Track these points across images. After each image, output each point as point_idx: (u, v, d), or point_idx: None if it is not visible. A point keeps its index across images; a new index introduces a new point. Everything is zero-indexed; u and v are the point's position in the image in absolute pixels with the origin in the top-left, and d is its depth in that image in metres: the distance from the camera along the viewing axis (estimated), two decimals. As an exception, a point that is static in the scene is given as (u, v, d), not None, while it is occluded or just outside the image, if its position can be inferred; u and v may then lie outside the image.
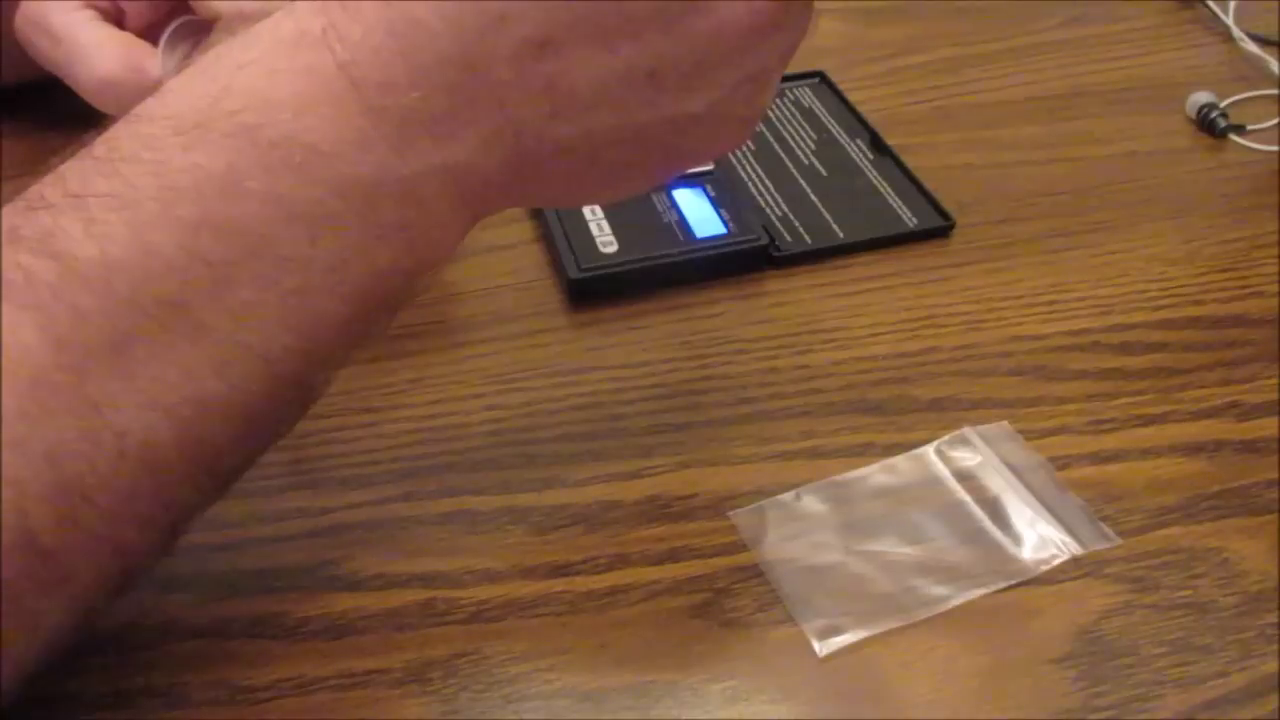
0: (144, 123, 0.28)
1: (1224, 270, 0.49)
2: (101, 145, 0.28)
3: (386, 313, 0.31)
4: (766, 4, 0.30)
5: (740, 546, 0.37)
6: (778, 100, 0.58)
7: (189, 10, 0.48)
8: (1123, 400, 0.43)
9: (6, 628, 0.26)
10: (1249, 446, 0.41)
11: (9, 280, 0.26)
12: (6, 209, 0.28)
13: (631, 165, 0.32)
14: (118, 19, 0.49)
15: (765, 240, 0.48)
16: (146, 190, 0.27)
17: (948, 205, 0.51)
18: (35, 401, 0.26)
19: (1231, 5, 0.64)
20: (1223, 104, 0.57)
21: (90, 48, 0.47)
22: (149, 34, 0.49)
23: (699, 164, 0.35)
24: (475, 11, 0.28)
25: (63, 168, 0.28)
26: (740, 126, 0.34)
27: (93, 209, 0.27)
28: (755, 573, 0.37)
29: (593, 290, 0.47)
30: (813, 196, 0.52)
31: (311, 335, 0.29)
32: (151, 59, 0.47)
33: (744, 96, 0.32)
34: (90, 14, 0.48)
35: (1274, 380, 0.43)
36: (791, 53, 0.33)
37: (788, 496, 0.39)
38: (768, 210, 0.51)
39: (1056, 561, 0.37)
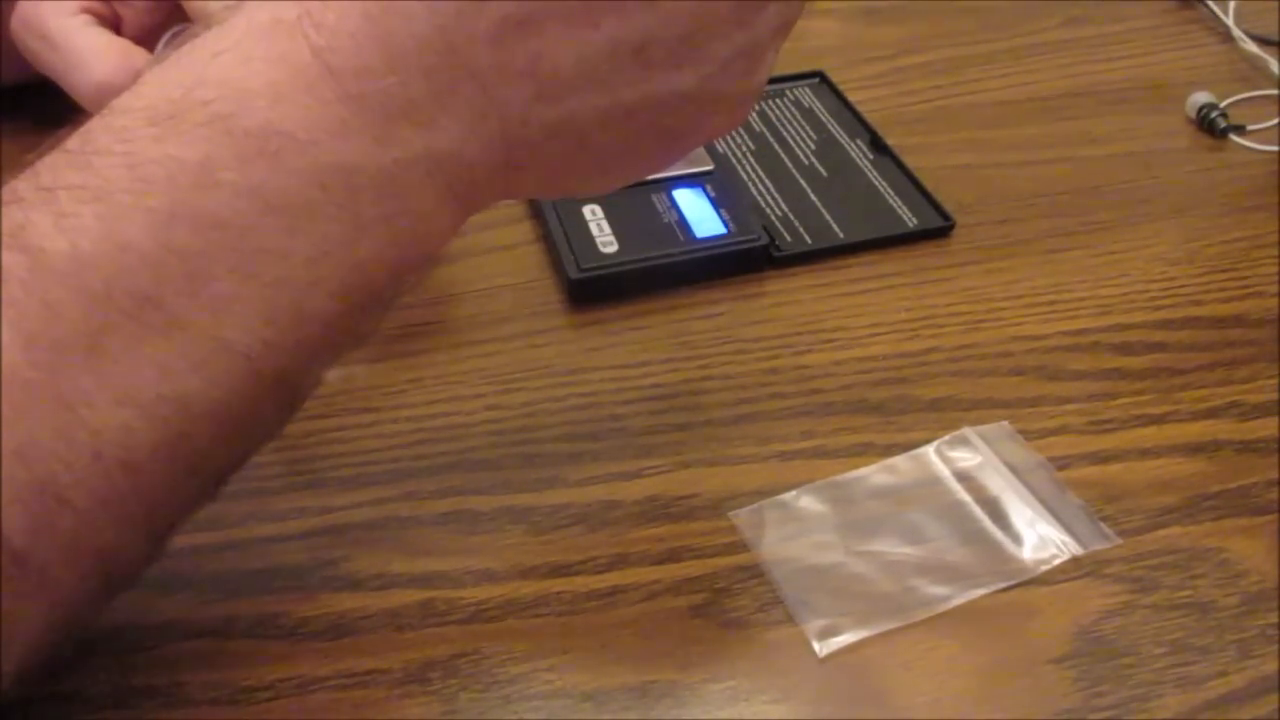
0: (117, 115, 0.28)
1: (1224, 270, 0.49)
2: (75, 139, 0.28)
3: (374, 309, 0.31)
4: None
5: (740, 546, 0.37)
6: (778, 100, 0.58)
7: (186, 17, 0.48)
8: (1123, 400, 0.43)
9: None
10: (1249, 446, 0.41)
11: None
12: None
13: (624, 149, 0.32)
14: (115, 24, 0.49)
15: (765, 240, 0.48)
16: (118, 182, 0.27)
17: (948, 205, 0.51)
18: (6, 399, 0.25)
19: (1231, 5, 0.64)
20: (1223, 104, 0.57)
21: (86, 53, 0.47)
22: (146, 40, 0.49)
23: (695, 146, 0.34)
24: None
25: (38, 163, 0.28)
26: (735, 106, 0.33)
27: (63, 202, 0.26)
28: (755, 573, 0.37)
29: (593, 290, 0.47)
30: (813, 196, 0.52)
31: (294, 331, 0.29)
32: (148, 65, 0.47)
33: (737, 73, 0.31)
34: (87, 19, 0.48)
35: (1274, 380, 0.43)
36: (786, 28, 0.32)
37: (788, 496, 0.39)
38: (768, 210, 0.51)
39: (1056, 561, 0.37)
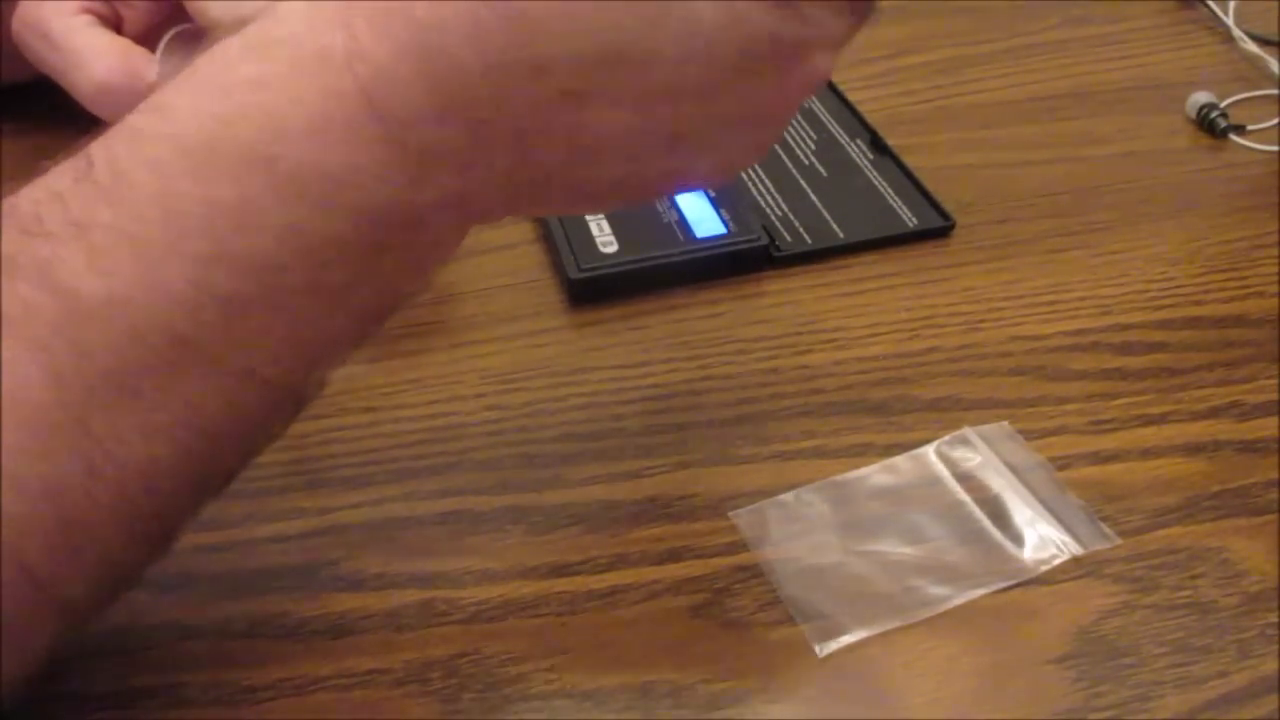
0: (148, 142, 0.27)
1: (1224, 270, 0.49)
2: (104, 167, 0.27)
3: (382, 322, 0.31)
4: (818, 75, 0.31)
5: (740, 546, 0.37)
6: (778, 100, 0.58)
7: (187, 17, 0.48)
8: (1123, 400, 0.43)
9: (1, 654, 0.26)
10: (1249, 446, 0.41)
11: (7, 314, 0.25)
12: (3, 233, 0.27)
13: (630, 195, 0.33)
14: (116, 24, 0.49)
15: (765, 240, 0.48)
16: (154, 221, 0.26)
17: (948, 205, 0.51)
18: (34, 439, 0.25)
19: (1231, 5, 0.64)
20: (1223, 104, 0.57)
21: (88, 53, 0.47)
22: (147, 40, 0.49)
23: (692, 189, 0.37)
24: (517, 60, 0.27)
25: (61, 187, 0.27)
26: (740, 167, 0.35)
27: (96, 240, 0.26)
28: (755, 573, 0.37)
29: (593, 290, 0.47)
30: (813, 196, 0.52)
31: (312, 354, 0.29)
32: (149, 65, 0.47)
33: (755, 151, 0.33)
34: (88, 19, 0.48)
35: (1274, 380, 0.43)
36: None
37: (788, 496, 0.39)
38: (768, 210, 0.51)
39: (1056, 561, 0.37)
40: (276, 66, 0.27)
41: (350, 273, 0.28)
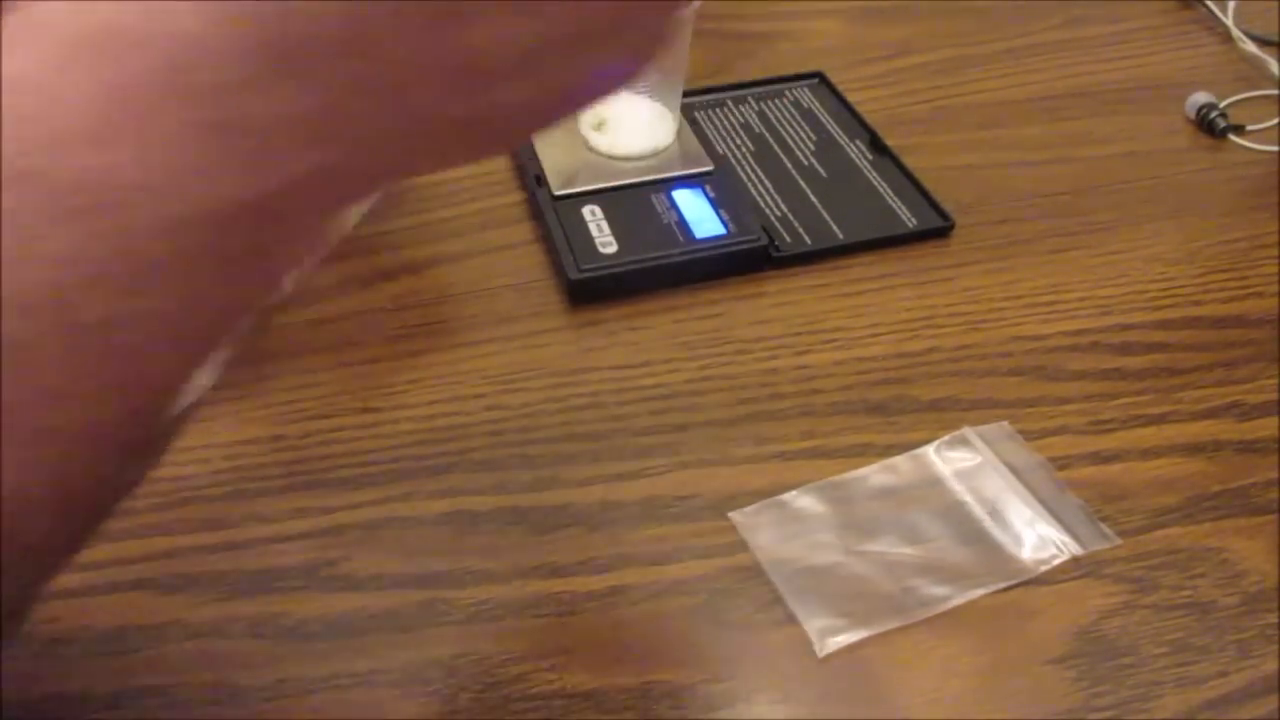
0: None
1: (1224, 270, 0.49)
2: None
3: (233, 345, 0.25)
4: None
5: (740, 546, 0.37)
6: (777, 100, 0.58)
7: None
8: (1123, 400, 0.43)
9: None
10: (1249, 446, 0.41)
11: None
12: None
13: (537, 119, 0.26)
14: None
15: (765, 240, 0.48)
16: None
17: (948, 205, 0.51)
18: None
19: (1231, 5, 0.65)
20: (1222, 104, 0.57)
21: None
22: None
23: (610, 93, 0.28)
24: None
25: None
26: (655, 50, 0.25)
27: None
28: (755, 573, 0.37)
29: (593, 291, 0.47)
30: (812, 197, 0.52)
31: (146, 391, 0.23)
32: None
33: (666, 32, 0.25)
34: None
35: (1274, 380, 0.43)
36: None
37: (787, 496, 0.39)
38: (767, 210, 0.51)
39: (1056, 562, 0.37)
40: (38, 57, 0.21)
41: (171, 297, 0.22)
